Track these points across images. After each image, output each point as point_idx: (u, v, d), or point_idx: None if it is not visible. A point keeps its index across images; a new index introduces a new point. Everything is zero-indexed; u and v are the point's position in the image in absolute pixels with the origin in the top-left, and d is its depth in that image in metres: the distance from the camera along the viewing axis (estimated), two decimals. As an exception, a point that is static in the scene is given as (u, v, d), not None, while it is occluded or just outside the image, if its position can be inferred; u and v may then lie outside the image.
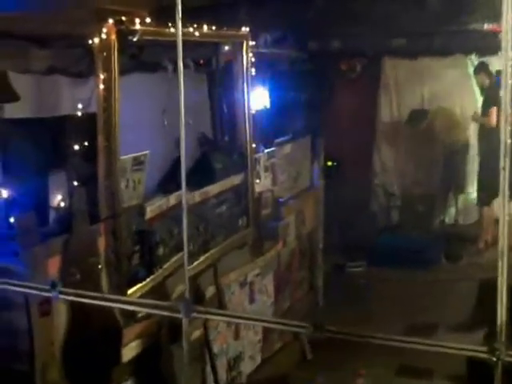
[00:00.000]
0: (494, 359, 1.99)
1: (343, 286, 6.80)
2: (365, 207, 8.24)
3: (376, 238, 7.71)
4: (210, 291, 4.59)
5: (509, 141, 1.99)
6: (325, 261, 6.71)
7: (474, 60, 8.00)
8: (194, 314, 2.36)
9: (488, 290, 5.41)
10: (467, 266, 7.32)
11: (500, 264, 2.00)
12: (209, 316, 2.65)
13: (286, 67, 6.98)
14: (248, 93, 5.14)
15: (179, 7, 2.22)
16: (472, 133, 8.21)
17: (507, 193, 2.02)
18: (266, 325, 2.98)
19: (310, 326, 2.16)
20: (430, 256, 7.40)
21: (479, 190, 7.73)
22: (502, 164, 2.01)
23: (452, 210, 8.47)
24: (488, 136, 7.35)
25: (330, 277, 6.75)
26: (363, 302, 6.38)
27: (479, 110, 7.76)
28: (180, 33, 2.25)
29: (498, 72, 7.65)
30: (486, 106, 7.50)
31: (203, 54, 4.91)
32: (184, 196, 2.34)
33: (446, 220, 8.41)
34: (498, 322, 2.00)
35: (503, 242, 2.00)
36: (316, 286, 6.56)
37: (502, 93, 2.10)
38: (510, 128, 2.00)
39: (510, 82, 2.05)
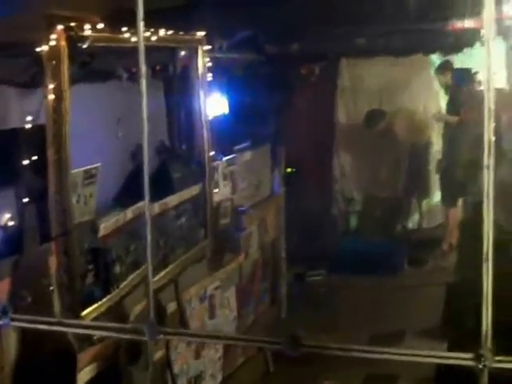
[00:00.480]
0: (480, 366, 1.94)
1: (304, 296, 6.77)
2: (325, 213, 8.24)
3: (337, 245, 7.71)
4: (171, 307, 4.48)
5: (493, 138, 1.93)
6: (287, 270, 6.68)
7: (435, 59, 7.97)
8: (160, 336, 2.25)
9: (455, 294, 5.36)
10: (432, 270, 7.35)
11: (485, 268, 1.94)
12: (175, 337, 2.54)
13: (244, 72, 6.91)
14: (205, 99, 5.08)
15: (141, 9, 2.12)
16: (435, 133, 8.24)
17: (491, 193, 1.95)
18: (239, 343, 2.89)
19: (285, 341, 2.09)
20: (394, 261, 7.41)
21: (443, 190, 7.77)
22: (485, 162, 1.93)
23: (415, 214, 8.52)
24: (453, 135, 7.44)
25: (292, 287, 6.71)
26: (326, 311, 6.36)
27: (443, 110, 7.82)
28: (142, 37, 2.15)
29: (459, 70, 7.75)
30: (452, 104, 7.55)
31: (159, 59, 4.84)
32: (147, 208, 2.21)
33: (410, 224, 8.46)
34: (484, 327, 1.93)
35: (487, 245, 1.94)
36: (279, 298, 6.51)
37: (481, 88, 2.08)
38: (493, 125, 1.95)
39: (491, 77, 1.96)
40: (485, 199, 1.93)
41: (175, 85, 5.27)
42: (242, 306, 5.63)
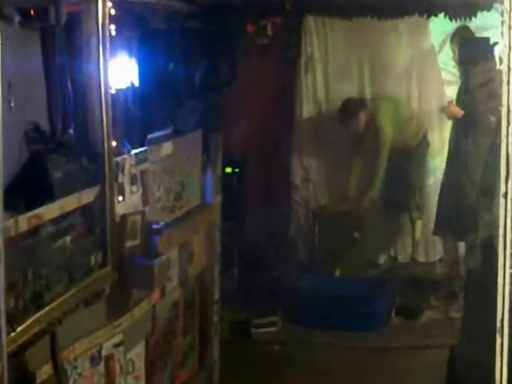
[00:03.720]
0: None
1: (248, 358, 6.80)
2: (280, 233, 8.37)
3: (296, 282, 7.74)
4: (44, 373, 4.34)
5: None
6: (223, 317, 6.70)
7: (438, 24, 8.19)
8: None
9: (463, 362, 5.51)
10: (429, 324, 7.45)
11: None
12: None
13: (164, 25, 6.81)
14: (105, 63, 4.97)
15: None
16: (434, 131, 8.40)
17: (509, 229, 2.00)
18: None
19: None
20: (375, 309, 7.43)
21: (439, 216, 8.00)
22: (502, 188, 1.97)
23: (407, 241, 8.65)
24: (467, 137, 7.64)
25: (229, 343, 6.71)
26: (279, 381, 6.43)
27: (449, 99, 8.08)
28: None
29: (472, 41, 7.86)
30: (464, 93, 7.78)
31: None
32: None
33: (399, 256, 8.62)
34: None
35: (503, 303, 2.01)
36: (210, 360, 6.48)
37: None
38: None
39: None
40: (500, 238, 1.95)
41: (59, 40, 5.15)
42: (155, 372, 5.59)
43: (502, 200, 1.94)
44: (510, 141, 1.93)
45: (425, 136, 8.48)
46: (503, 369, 1.98)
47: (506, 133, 1.94)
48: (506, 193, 1.94)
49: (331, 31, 8.59)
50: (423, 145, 8.48)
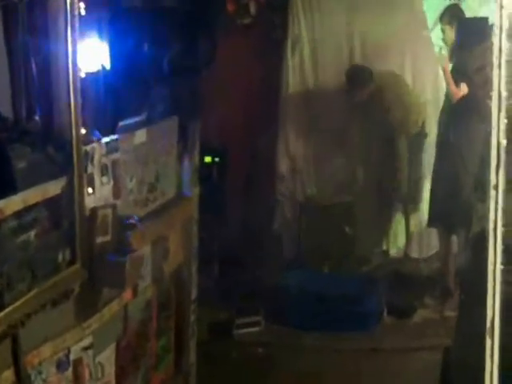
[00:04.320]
0: None
1: (229, 361, 6.84)
2: (264, 227, 8.41)
3: (281, 279, 7.77)
4: (5, 379, 4.32)
5: (503, 142, 1.97)
6: (201, 317, 6.65)
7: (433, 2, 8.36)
8: None
9: (457, 363, 5.54)
10: (423, 324, 7.49)
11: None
12: None
13: (137, 4, 6.81)
14: (74, 43, 4.94)
15: None
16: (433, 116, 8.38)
17: (500, 224, 1.99)
18: None
19: None
20: (365, 308, 7.47)
21: (432, 206, 8.04)
22: (493, 181, 1.97)
23: (400, 235, 8.72)
24: (462, 125, 7.68)
25: (208, 345, 6.73)
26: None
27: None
28: None
29: (466, 21, 7.84)
30: (456, 75, 7.79)
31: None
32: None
33: (391, 250, 8.65)
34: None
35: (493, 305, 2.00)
36: (187, 363, 6.46)
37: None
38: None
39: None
40: (491, 232, 1.96)
41: (23, 19, 5.05)
42: (126, 377, 5.56)
43: (492, 192, 1.93)
44: (501, 128, 1.91)
45: (423, 125, 8.48)
46: (493, 373, 1.98)
47: (496, 120, 1.93)
48: (497, 184, 1.92)
49: (319, 9, 8.61)
50: (422, 134, 8.49)
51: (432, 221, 7.87)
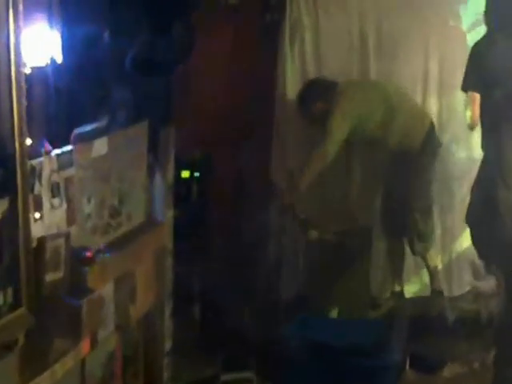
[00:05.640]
0: None
1: None
2: (256, 260, 8.39)
3: (276, 325, 7.75)
4: None
5: None
6: (177, 374, 6.66)
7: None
8: None
9: None
10: (454, 380, 7.46)
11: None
12: None
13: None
14: (18, 33, 4.81)
15: None
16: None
17: None
18: None
19: None
20: (383, 362, 7.38)
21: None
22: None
23: (422, 267, 8.72)
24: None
25: None
26: None
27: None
28: None
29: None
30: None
31: None
32: None
33: (412, 287, 8.73)
34: None
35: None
36: None
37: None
38: None
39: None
40: None
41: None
42: None
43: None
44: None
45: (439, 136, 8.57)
46: None
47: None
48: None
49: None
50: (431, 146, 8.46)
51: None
